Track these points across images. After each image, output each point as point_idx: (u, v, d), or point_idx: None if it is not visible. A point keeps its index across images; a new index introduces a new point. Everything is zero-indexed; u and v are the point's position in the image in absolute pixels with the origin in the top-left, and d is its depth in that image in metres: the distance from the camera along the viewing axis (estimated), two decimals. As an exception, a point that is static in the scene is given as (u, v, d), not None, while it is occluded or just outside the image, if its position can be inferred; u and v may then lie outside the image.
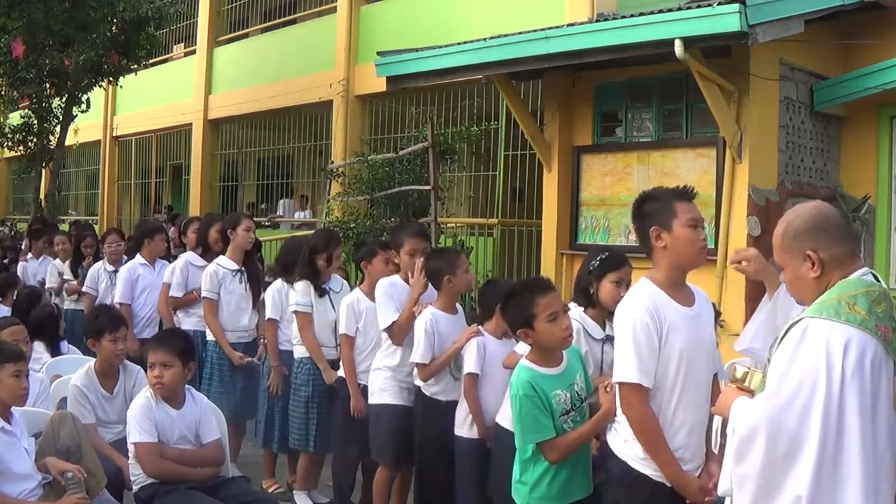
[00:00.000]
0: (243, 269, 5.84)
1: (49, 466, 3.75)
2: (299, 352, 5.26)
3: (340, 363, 5.08)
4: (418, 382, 4.52)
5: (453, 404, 4.38)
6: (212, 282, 5.70)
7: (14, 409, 3.80)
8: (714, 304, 5.37)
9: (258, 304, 5.84)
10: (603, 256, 3.81)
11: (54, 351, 5.59)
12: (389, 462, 4.69)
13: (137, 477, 4.03)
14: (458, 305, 4.66)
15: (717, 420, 3.28)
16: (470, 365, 4.20)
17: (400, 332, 4.61)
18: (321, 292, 5.24)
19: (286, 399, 5.38)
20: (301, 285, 5.22)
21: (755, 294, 6.73)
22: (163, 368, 4.04)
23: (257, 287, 5.88)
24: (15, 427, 3.72)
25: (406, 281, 4.73)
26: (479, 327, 4.28)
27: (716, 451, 3.89)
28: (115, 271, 6.99)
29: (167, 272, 6.36)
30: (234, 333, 5.74)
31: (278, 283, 5.53)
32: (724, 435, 3.28)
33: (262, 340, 5.75)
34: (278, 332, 5.49)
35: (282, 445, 5.48)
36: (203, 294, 5.74)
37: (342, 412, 4.96)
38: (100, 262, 7.37)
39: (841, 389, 2.27)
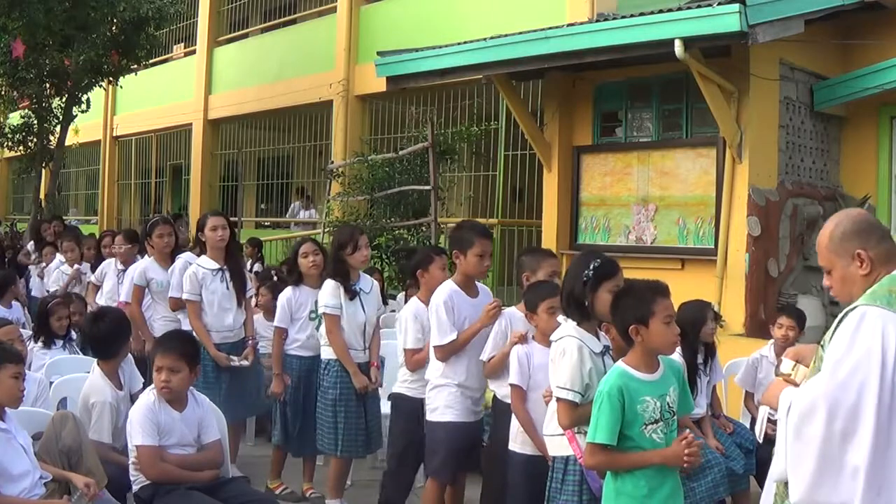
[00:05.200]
0: (225, 267, 5.68)
1: (73, 478, 3.76)
2: (326, 353, 5.11)
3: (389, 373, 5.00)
4: (493, 386, 4.32)
5: None
6: (191, 283, 5.57)
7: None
8: (714, 305, 5.37)
9: (244, 303, 5.73)
10: (596, 265, 3.53)
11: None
12: (446, 479, 4.49)
13: (137, 477, 4.02)
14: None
15: (764, 410, 3.32)
16: (513, 376, 3.96)
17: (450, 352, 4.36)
18: (352, 294, 5.08)
19: (305, 403, 5.32)
20: (330, 286, 5.06)
21: (755, 294, 6.74)
22: (170, 373, 4.00)
23: (241, 285, 5.73)
24: (9, 424, 3.69)
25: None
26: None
27: (760, 441, 3.93)
28: (124, 271, 6.99)
29: (134, 272, 6.35)
30: (219, 334, 5.59)
31: (289, 291, 5.47)
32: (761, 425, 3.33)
33: (249, 341, 5.67)
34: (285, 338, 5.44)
35: (299, 449, 5.42)
36: (184, 296, 5.62)
37: (401, 431, 4.71)
38: (113, 259, 7.39)
39: (894, 369, 2.48)
